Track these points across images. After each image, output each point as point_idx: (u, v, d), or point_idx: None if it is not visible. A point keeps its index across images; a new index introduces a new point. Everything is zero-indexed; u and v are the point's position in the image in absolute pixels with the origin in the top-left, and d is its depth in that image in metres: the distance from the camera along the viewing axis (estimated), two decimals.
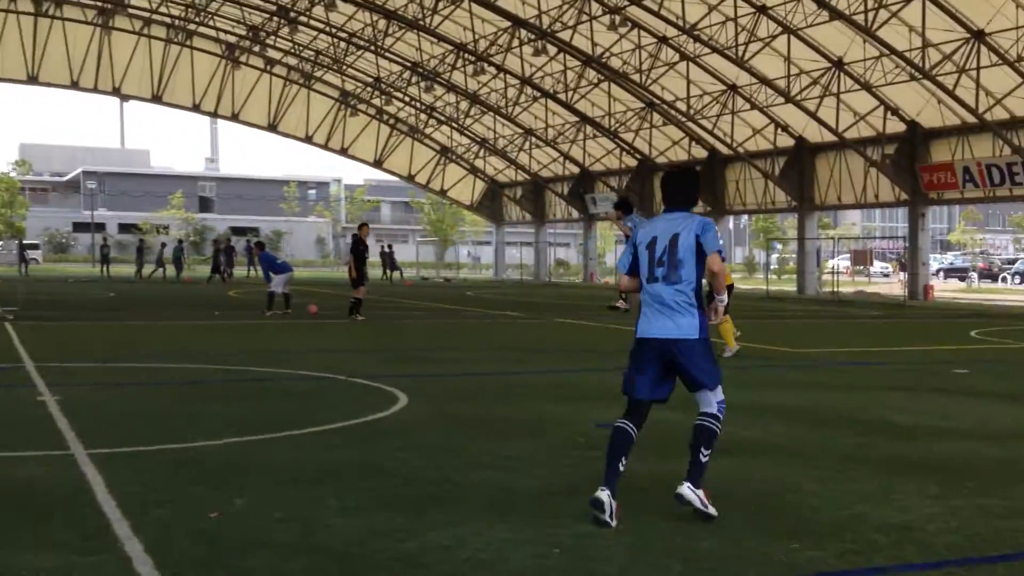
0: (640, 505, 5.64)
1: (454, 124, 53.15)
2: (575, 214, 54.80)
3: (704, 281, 5.54)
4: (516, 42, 40.26)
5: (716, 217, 46.06)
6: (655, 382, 5.52)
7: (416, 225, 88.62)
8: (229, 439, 7.37)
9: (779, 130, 39.30)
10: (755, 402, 9.76)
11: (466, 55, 43.03)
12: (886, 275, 60.86)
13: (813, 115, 35.94)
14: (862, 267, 52.95)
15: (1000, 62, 28.96)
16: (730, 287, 13.46)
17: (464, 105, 50.16)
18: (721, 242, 5.59)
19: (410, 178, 60.08)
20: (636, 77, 39.93)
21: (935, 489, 6.16)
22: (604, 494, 5.24)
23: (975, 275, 59.11)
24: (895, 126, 35.25)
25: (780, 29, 32.86)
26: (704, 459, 5.45)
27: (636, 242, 5.60)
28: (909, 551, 4.90)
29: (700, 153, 44.46)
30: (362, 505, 5.57)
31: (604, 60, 39.93)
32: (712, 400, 5.53)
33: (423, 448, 7.17)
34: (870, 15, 29.52)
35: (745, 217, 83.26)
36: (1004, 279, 56.92)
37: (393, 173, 60.26)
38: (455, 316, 23.52)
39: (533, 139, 50.76)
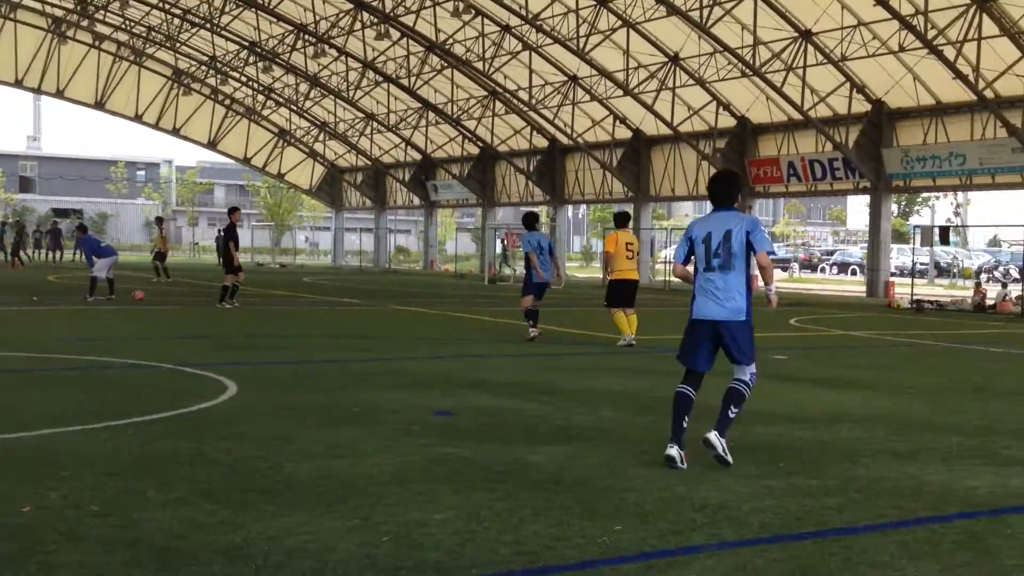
0: (469, 492, 5.68)
1: (293, 106, 52.09)
2: (416, 201, 54.62)
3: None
4: (358, 25, 39.76)
5: (555, 206, 46.82)
6: (708, 355, 6.57)
7: (252, 209, 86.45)
8: (45, 430, 7.02)
9: (617, 122, 40.19)
10: (587, 388, 9.97)
11: (307, 36, 42.23)
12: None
13: (650, 108, 36.90)
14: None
15: (825, 61, 30.41)
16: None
17: (304, 87, 49.23)
18: (769, 240, 6.70)
19: (246, 161, 58.56)
20: (479, 65, 40.07)
21: (752, 469, 6.44)
22: (674, 450, 6.36)
23: (796, 265, 62.01)
24: (727, 121, 36.56)
25: (620, 23, 33.58)
26: (732, 415, 6.53)
27: (691, 236, 6.60)
28: (725, 529, 5.10)
29: (541, 143, 45.01)
30: (185, 497, 5.40)
31: (447, 47, 39.90)
32: (747, 371, 6.60)
33: (251, 438, 7.01)
34: (705, 12, 30.48)
35: (583, 207, 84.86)
36: (823, 269, 59.94)
37: (228, 155, 58.61)
38: (290, 303, 23.09)
39: (375, 124, 50.27)
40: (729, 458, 6.41)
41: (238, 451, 6.57)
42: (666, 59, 34.59)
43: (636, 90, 36.45)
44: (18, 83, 50.08)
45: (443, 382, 10.11)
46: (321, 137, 55.10)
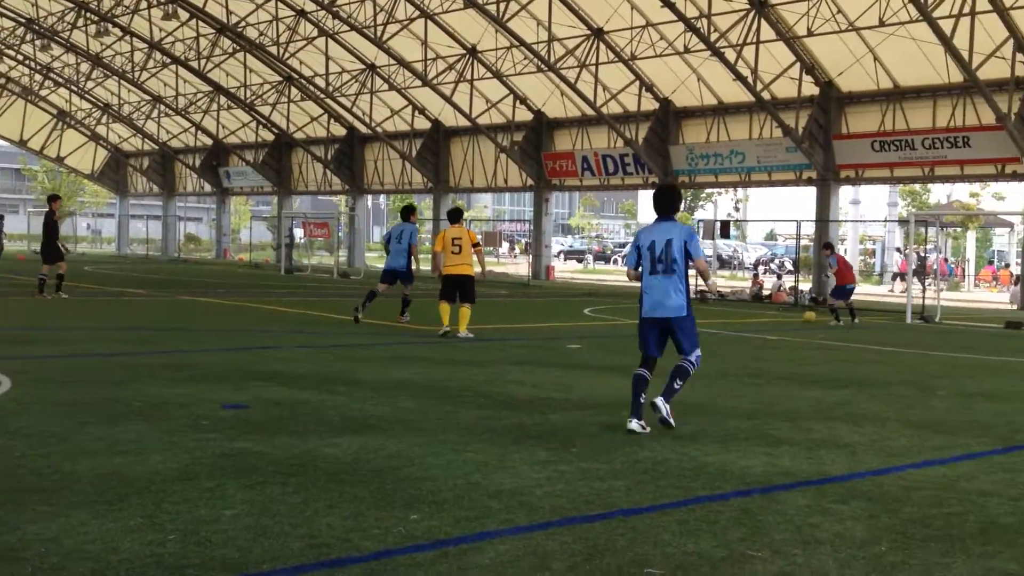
0: (261, 487, 5.57)
1: (73, 87, 49.30)
2: (208, 188, 52.85)
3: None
4: (144, 4, 38.04)
5: (354, 196, 46.35)
6: (658, 344, 7.77)
7: (28, 195, 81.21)
8: None
9: (417, 112, 40.17)
10: (385, 379, 9.94)
11: (88, 14, 40.03)
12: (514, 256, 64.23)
13: (448, 99, 37.08)
14: (492, 248, 55.49)
15: (616, 60, 31.41)
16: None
17: (85, 67, 46.69)
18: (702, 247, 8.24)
19: (22, 143, 55.03)
20: (273, 49, 39.12)
21: (545, 455, 6.60)
22: (635, 423, 7.43)
23: (591, 257, 63.92)
24: (524, 115, 37.23)
25: (418, 13, 33.56)
26: (677, 386, 7.64)
27: (639, 244, 7.76)
28: (519, 514, 5.21)
29: (339, 131, 44.44)
30: None
31: (240, 29, 38.75)
32: (692, 355, 7.71)
33: (27, 436, 6.61)
34: (502, 6, 30.91)
35: (383, 196, 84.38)
36: (615, 261, 62.05)
37: (3, 138, 54.90)
38: (69, 293, 21.87)
39: (162, 107, 48.24)
40: (672, 421, 7.49)
41: (11, 449, 6.18)
42: (464, 51, 34.85)
43: (435, 81, 36.56)
44: None
45: (236, 375, 9.85)
46: (104, 120, 52.43)
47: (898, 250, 50.35)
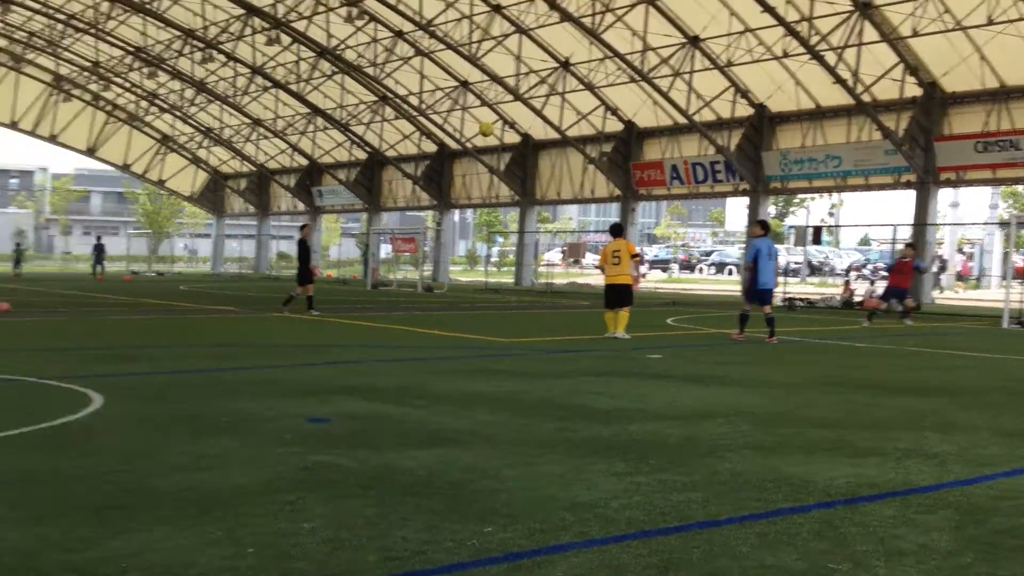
0: (339, 500, 5.63)
1: (177, 112, 50.83)
2: (301, 206, 53.92)
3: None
4: (248, 30, 39.03)
5: (441, 210, 46.75)
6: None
7: (129, 217, 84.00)
8: None
9: (506, 126, 40.41)
10: (466, 392, 9.98)
11: (194, 41, 41.24)
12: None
13: (539, 113, 37.24)
14: (575, 260, 55.54)
15: (711, 67, 31.14)
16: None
17: (189, 93, 48.09)
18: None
19: (126, 167, 57.00)
20: (370, 70, 39.80)
21: (622, 467, 6.54)
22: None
23: (676, 266, 63.36)
24: (614, 125, 37.17)
25: (513, 29, 33.82)
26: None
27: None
28: (593, 527, 5.17)
29: (430, 147, 44.95)
30: (39, 515, 5.19)
31: (339, 52, 39.51)
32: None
33: (115, 452, 6.79)
34: (597, 18, 30.93)
35: (470, 211, 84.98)
36: (700, 269, 61.38)
37: (107, 162, 56.95)
38: (163, 312, 22.49)
39: (261, 130, 49.45)
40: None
41: (99, 466, 6.36)
42: (557, 64, 34.95)
43: (526, 95, 36.75)
44: None
45: (320, 388, 9.99)
46: (205, 143, 53.95)
47: (960, 251, 49.10)
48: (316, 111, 45.04)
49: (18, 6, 41.24)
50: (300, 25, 38.21)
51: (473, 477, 6.27)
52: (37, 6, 41.26)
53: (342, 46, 39.04)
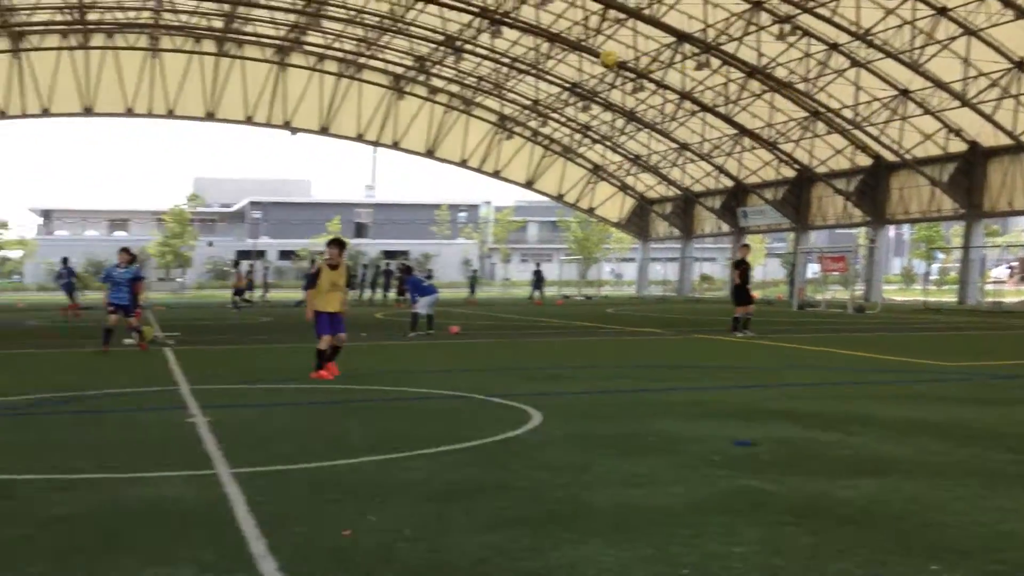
0: (771, 526, 5.47)
1: (608, 142, 53.16)
2: (724, 228, 53.95)
3: None
4: (679, 57, 39.85)
5: (875, 227, 44.44)
6: None
7: (561, 244, 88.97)
8: (365, 457, 7.51)
9: (951, 135, 37.74)
10: (907, 418, 9.37)
11: (626, 72, 42.95)
12: None
13: (989, 118, 34.42)
14: None
15: None
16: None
17: (620, 123, 50.08)
18: None
19: (559, 198, 60.49)
20: (801, 86, 39.09)
21: None
22: None
23: None
24: None
25: (960, 31, 31.67)
26: None
27: None
28: None
29: (864, 161, 43.14)
30: (489, 523, 5.58)
31: (769, 70, 39.17)
32: None
33: (553, 466, 7.14)
34: None
35: (907, 226, 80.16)
36: None
37: (543, 193, 60.77)
38: (592, 334, 23.43)
39: (688, 154, 50.31)
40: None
41: (540, 479, 6.72)
42: (1011, 65, 32.17)
43: (974, 100, 34.14)
44: (359, 137, 54.89)
45: (747, 411, 9.86)
46: (632, 170, 55.86)
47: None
48: (743, 131, 44.89)
49: (469, 54, 45.29)
50: (730, 47, 38.25)
51: (919, 508, 5.83)
52: (485, 52, 45.06)
53: (773, 64, 38.55)
